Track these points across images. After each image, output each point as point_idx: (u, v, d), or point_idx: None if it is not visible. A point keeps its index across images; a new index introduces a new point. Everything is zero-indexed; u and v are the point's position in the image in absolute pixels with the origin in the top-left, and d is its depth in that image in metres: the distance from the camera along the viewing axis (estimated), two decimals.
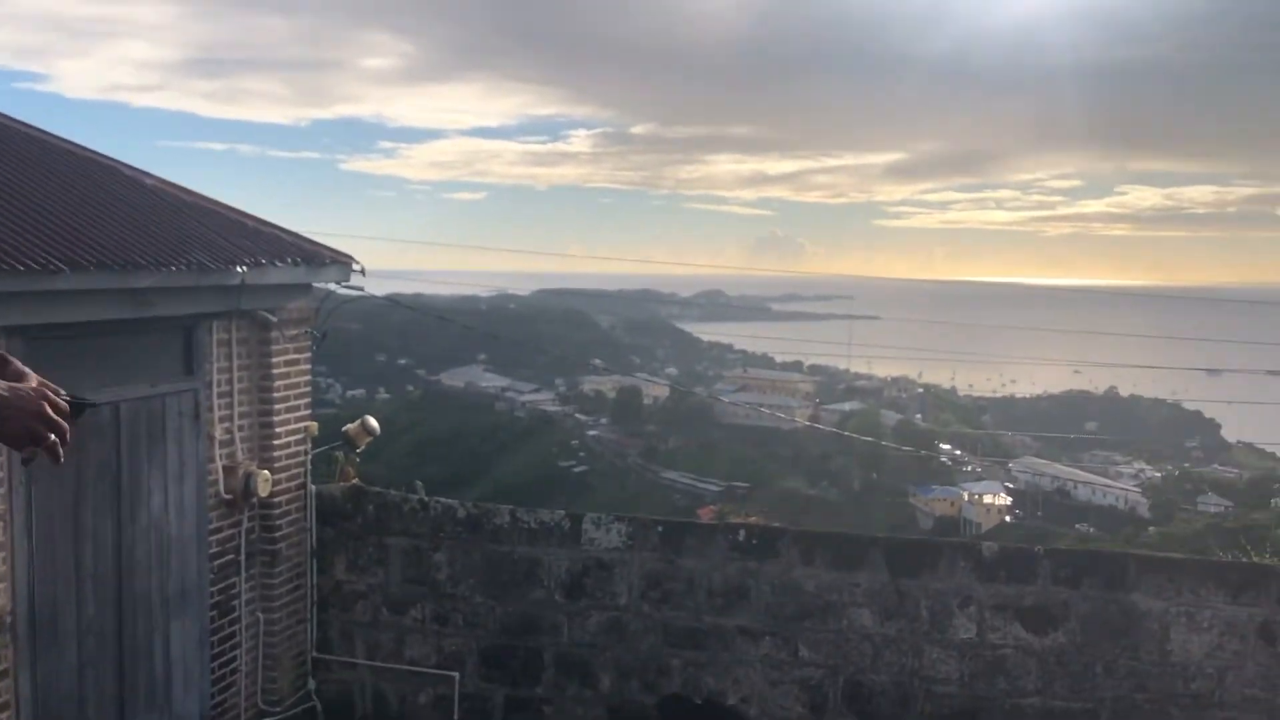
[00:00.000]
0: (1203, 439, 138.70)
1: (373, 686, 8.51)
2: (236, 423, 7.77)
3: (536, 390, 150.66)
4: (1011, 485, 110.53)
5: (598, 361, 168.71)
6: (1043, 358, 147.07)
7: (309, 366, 8.39)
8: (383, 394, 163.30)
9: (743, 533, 7.90)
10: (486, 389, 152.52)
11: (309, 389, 8.41)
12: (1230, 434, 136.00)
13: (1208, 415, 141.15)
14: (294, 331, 8.15)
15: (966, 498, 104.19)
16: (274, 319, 7.87)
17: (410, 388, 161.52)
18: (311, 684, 8.45)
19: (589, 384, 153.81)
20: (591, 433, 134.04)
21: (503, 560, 8.21)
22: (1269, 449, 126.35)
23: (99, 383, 6.53)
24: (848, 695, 7.66)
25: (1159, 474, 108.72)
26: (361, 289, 8.69)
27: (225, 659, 7.77)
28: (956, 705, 7.48)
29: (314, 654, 8.50)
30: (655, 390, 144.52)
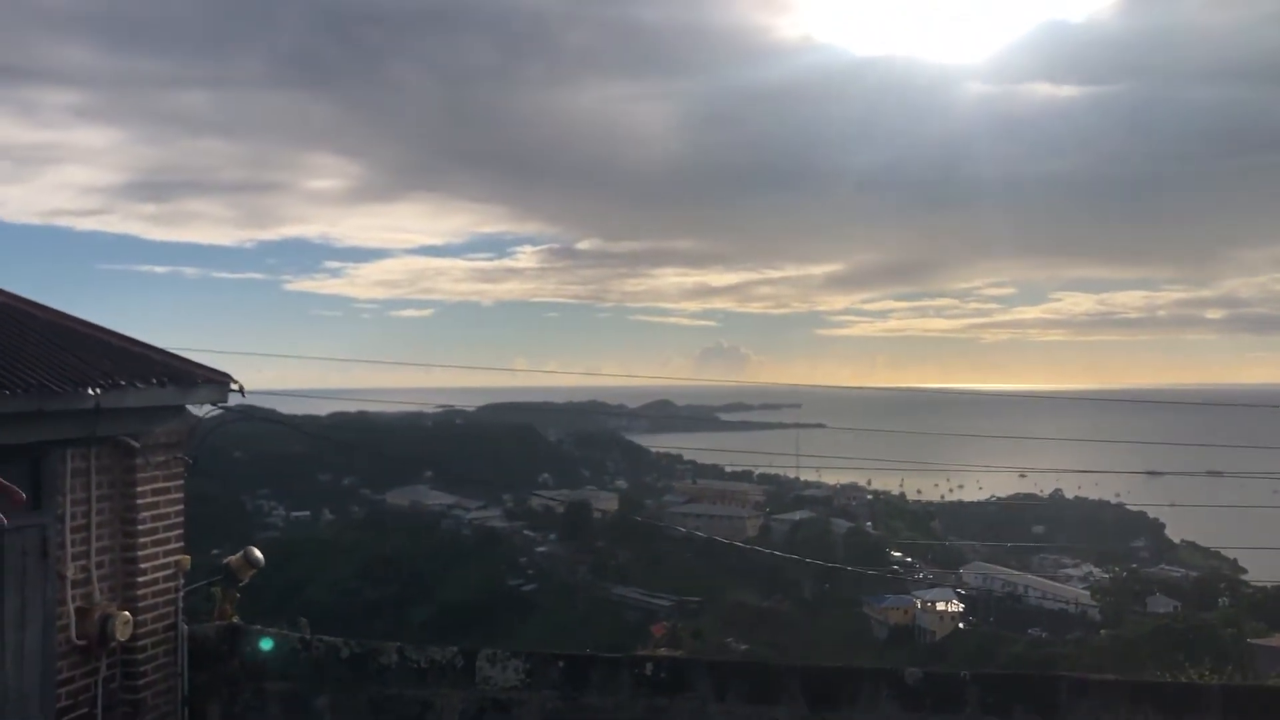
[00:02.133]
0: (1148, 539, 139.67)
1: None
2: (94, 559, 7.09)
3: (484, 507, 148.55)
4: (963, 591, 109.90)
5: (546, 477, 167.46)
6: (988, 464, 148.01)
7: (181, 495, 7.76)
8: (328, 515, 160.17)
9: (650, 666, 7.30)
10: (432, 507, 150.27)
11: (181, 519, 7.76)
12: (1174, 533, 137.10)
13: (1151, 516, 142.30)
14: (163, 457, 7.54)
15: (919, 606, 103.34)
16: (137, 445, 7.26)
17: (355, 508, 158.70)
18: None
19: (537, 499, 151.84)
20: (540, 549, 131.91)
21: (391, 703, 7.52)
22: (1213, 548, 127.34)
23: None
24: None
25: (1107, 575, 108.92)
26: (237, 408, 8.12)
27: None
28: None
29: None
30: (605, 504, 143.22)
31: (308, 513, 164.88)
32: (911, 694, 6.90)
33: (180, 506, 7.78)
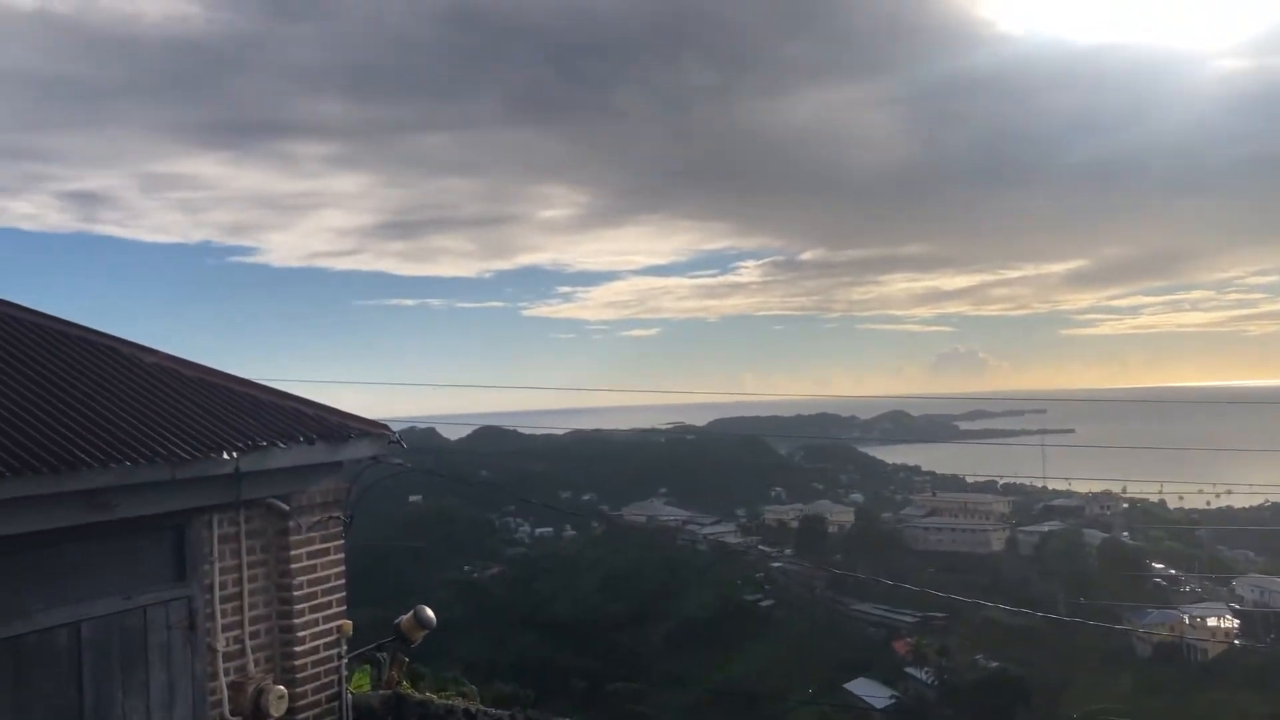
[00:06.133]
0: None
1: None
2: (248, 629, 6.73)
3: (717, 522, 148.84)
4: (1237, 606, 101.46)
5: (778, 491, 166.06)
6: (1260, 467, 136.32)
7: (340, 556, 7.34)
8: (569, 531, 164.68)
9: None
10: (668, 521, 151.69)
11: (342, 582, 7.34)
12: None
13: None
14: (317, 518, 7.12)
15: (1188, 621, 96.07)
16: (287, 508, 6.86)
17: (595, 524, 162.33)
18: None
19: (771, 513, 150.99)
20: (776, 564, 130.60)
21: None
22: None
23: (49, 602, 5.59)
24: None
25: None
26: (401, 462, 7.65)
27: None
28: None
29: None
30: (840, 517, 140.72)
31: (550, 529, 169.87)
32: None
33: (341, 568, 7.36)
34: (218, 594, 6.56)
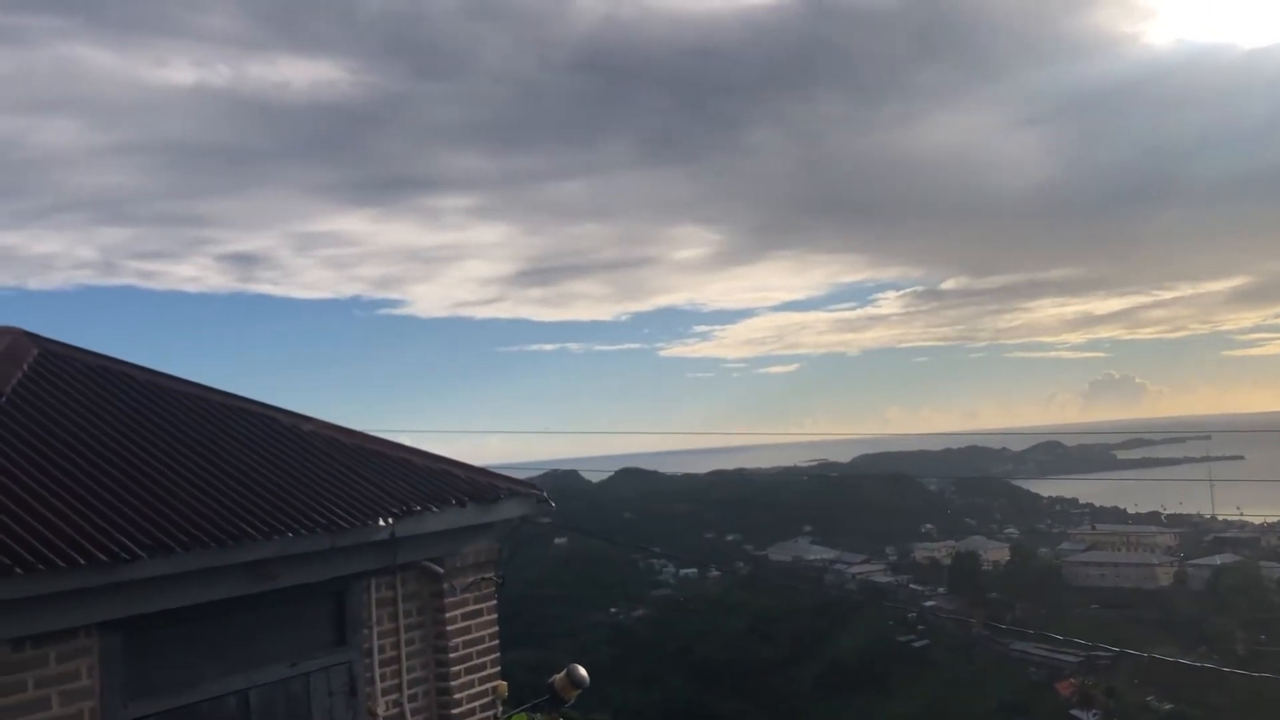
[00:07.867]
0: None
1: None
2: (406, 693, 6.81)
3: (866, 560, 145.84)
4: None
5: (929, 528, 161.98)
6: None
7: (494, 616, 7.38)
8: (713, 572, 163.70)
9: None
10: (814, 561, 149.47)
11: (495, 643, 7.37)
12: None
13: None
14: (471, 579, 7.18)
15: None
16: (441, 570, 6.94)
17: (740, 564, 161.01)
18: None
19: (921, 551, 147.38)
20: (929, 603, 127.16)
21: None
22: None
23: (221, 670, 5.74)
24: None
25: None
26: (549, 520, 7.66)
27: None
28: None
29: None
30: (995, 554, 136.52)
31: (695, 570, 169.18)
32: None
33: (494, 629, 7.40)
34: (376, 658, 6.67)
